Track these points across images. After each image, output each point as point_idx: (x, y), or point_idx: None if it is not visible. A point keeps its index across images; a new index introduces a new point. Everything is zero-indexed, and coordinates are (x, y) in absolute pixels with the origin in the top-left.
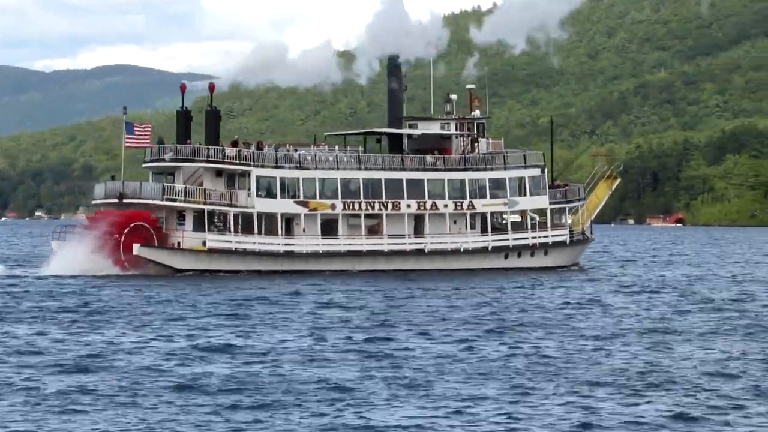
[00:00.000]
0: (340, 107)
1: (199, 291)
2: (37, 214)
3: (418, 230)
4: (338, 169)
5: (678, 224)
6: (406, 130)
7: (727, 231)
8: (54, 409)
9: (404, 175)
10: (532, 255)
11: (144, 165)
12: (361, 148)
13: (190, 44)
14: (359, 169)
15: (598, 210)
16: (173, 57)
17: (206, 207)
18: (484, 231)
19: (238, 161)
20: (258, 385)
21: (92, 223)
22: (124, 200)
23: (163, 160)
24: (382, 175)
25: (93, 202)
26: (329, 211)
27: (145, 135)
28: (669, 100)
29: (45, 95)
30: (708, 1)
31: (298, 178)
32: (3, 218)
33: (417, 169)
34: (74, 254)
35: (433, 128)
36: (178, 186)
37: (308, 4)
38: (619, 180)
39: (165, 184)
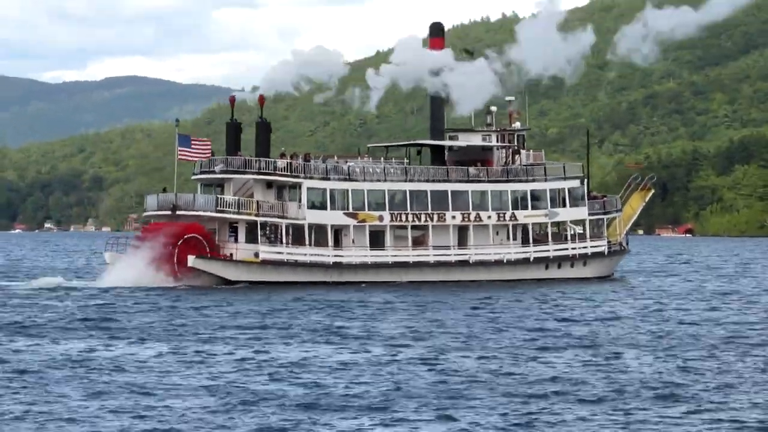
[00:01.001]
0: (350, 118)
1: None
2: (47, 225)
3: (462, 241)
4: (386, 180)
5: (687, 234)
6: (449, 142)
7: (738, 242)
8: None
9: (449, 187)
10: (572, 266)
11: (193, 177)
12: (406, 160)
13: (198, 55)
14: (406, 180)
15: (632, 221)
16: (181, 68)
17: (259, 219)
18: (525, 242)
19: (289, 173)
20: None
21: (145, 235)
22: (177, 212)
23: (213, 172)
24: (428, 186)
25: (145, 213)
26: (377, 222)
27: (205, 149)
28: (678, 110)
29: (53, 106)
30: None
31: (347, 190)
32: (16, 230)
33: (461, 181)
34: (129, 266)
35: (475, 140)
36: (232, 198)
37: (315, 14)
38: (653, 191)
39: (218, 196)
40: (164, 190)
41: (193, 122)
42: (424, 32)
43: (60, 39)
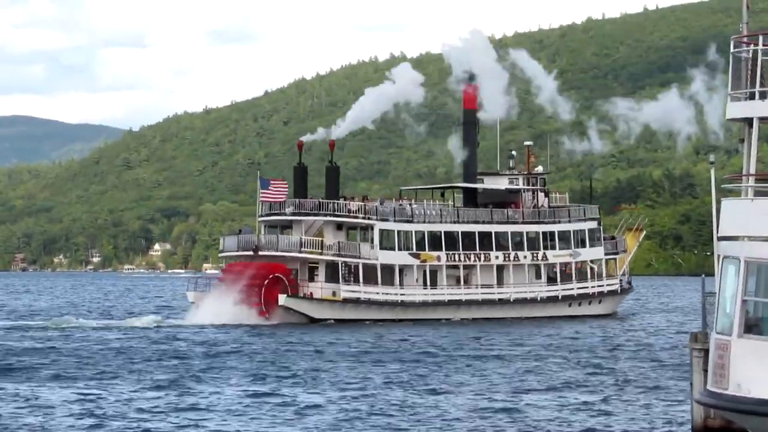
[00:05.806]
0: (238, 158)
1: None
2: None
3: (500, 280)
4: (441, 222)
5: None
6: (482, 185)
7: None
8: None
9: (492, 228)
10: (589, 303)
11: (260, 219)
12: (450, 202)
13: (87, 94)
14: (458, 222)
15: (628, 261)
16: (70, 108)
17: (339, 259)
18: (551, 281)
19: (363, 215)
20: None
21: (228, 274)
22: (260, 252)
23: (284, 214)
24: (476, 228)
25: (223, 254)
26: (435, 262)
27: (283, 189)
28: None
29: None
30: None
31: (412, 231)
32: None
33: (501, 222)
34: (217, 304)
35: (502, 183)
36: (314, 239)
37: (205, 54)
38: (644, 232)
39: (301, 237)
40: (240, 232)
41: (81, 162)
42: (312, 73)
43: None
